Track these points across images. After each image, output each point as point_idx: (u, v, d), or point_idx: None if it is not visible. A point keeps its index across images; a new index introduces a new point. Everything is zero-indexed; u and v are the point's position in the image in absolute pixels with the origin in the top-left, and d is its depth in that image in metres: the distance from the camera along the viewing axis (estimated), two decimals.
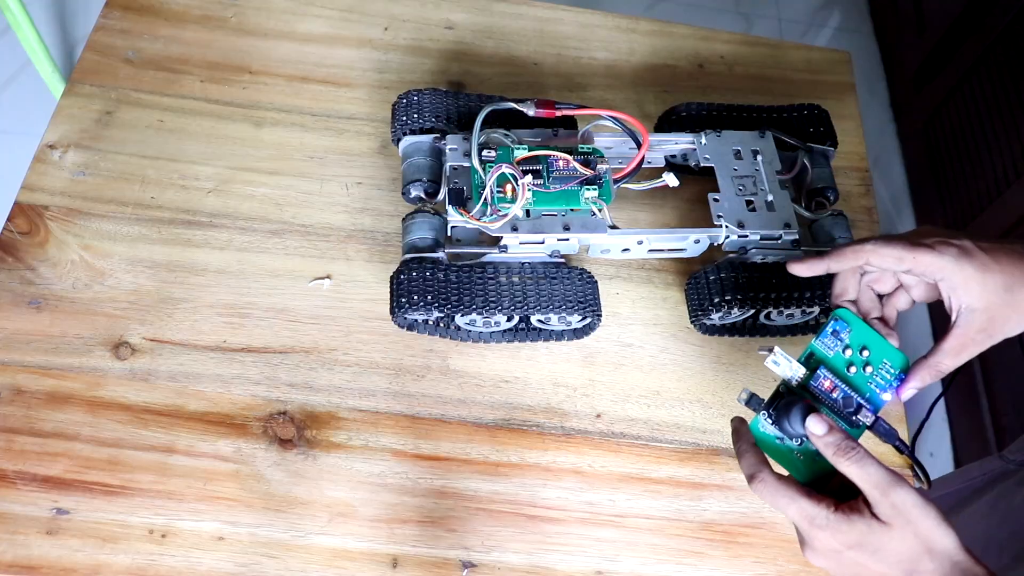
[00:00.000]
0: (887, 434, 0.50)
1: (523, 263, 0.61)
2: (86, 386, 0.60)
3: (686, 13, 1.75)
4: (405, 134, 0.65)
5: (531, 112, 0.63)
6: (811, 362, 0.51)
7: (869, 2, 1.85)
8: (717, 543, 0.60)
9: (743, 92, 0.79)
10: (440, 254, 0.61)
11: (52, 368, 0.60)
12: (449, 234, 0.62)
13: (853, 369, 0.51)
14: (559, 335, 0.64)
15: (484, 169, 0.60)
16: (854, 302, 0.53)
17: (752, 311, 0.63)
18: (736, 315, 0.63)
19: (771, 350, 0.49)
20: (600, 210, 0.61)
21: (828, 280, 0.55)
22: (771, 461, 0.49)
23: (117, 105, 0.71)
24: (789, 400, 0.49)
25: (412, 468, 0.60)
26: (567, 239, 0.60)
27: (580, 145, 0.63)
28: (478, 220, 0.59)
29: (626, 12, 0.85)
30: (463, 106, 0.66)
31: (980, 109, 1.37)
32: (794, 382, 0.50)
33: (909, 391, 0.51)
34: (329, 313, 0.64)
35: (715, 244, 0.64)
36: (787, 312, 0.63)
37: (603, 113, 0.63)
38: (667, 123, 0.70)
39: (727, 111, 0.70)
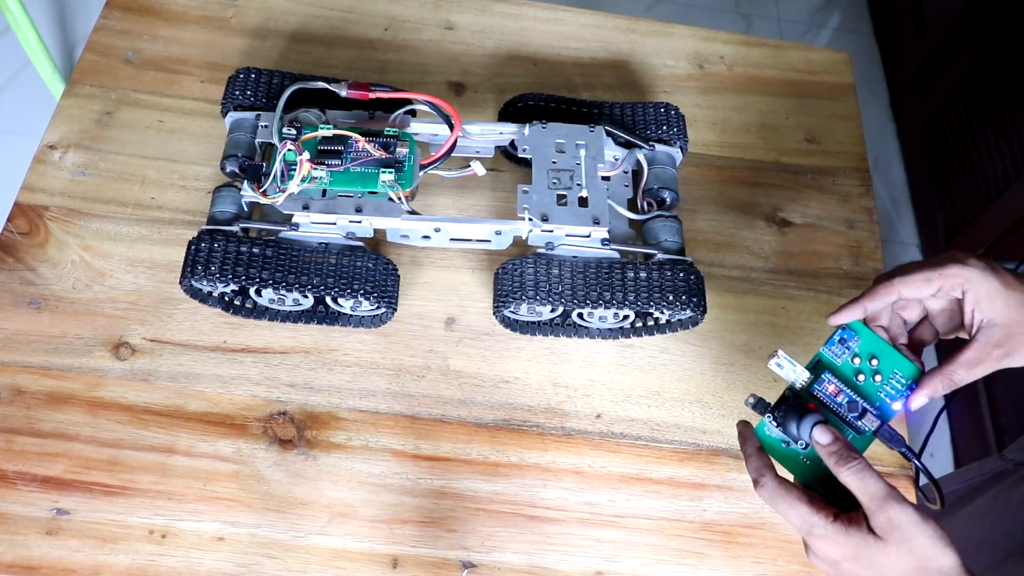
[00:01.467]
0: (893, 440, 0.49)
1: (320, 243, 0.60)
2: (86, 386, 0.60)
3: (686, 13, 1.75)
4: (231, 109, 0.65)
5: (343, 93, 0.61)
6: (818, 369, 0.51)
7: (869, 2, 1.85)
8: (717, 543, 0.60)
9: (743, 92, 0.79)
10: (235, 227, 0.60)
11: (52, 368, 0.60)
12: (255, 211, 0.62)
13: (862, 377, 0.51)
14: (357, 322, 0.63)
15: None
16: (885, 328, 0.52)
17: (560, 310, 0.62)
18: (543, 313, 0.62)
19: (775, 353, 0.49)
20: (397, 193, 0.59)
21: (648, 283, 0.55)
22: (777, 465, 0.49)
23: (117, 105, 0.71)
24: (794, 404, 0.49)
25: (412, 468, 0.60)
26: (359, 221, 0.59)
27: (386, 128, 0.62)
28: (265, 196, 0.59)
29: (626, 12, 0.85)
30: (288, 86, 0.64)
31: (980, 109, 1.37)
32: (798, 385, 0.50)
33: (919, 400, 0.50)
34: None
35: (521, 237, 0.62)
36: (599, 314, 0.62)
37: (416, 97, 0.62)
38: (507, 113, 0.69)
39: (569, 104, 0.69)
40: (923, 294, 0.50)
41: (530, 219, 0.61)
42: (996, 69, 1.34)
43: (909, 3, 1.65)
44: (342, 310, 0.62)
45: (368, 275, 0.59)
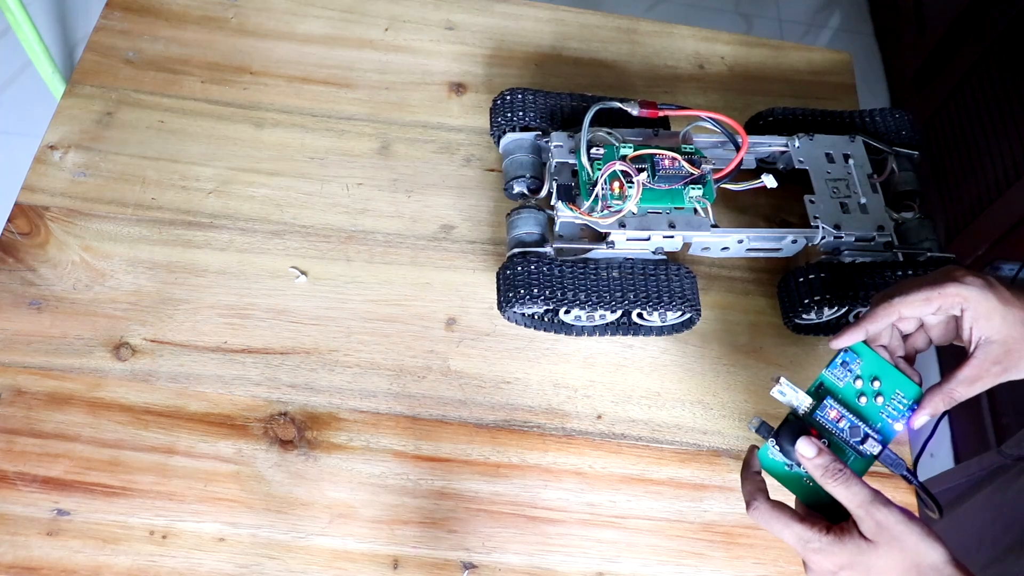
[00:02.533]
0: (895, 464, 0.51)
1: (626, 259, 0.62)
2: (86, 387, 0.60)
3: (686, 13, 1.75)
4: (506, 131, 0.66)
5: (635, 112, 0.64)
6: (820, 392, 0.51)
7: (869, 3, 1.85)
8: (718, 544, 0.60)
9: (743, 93, 0.79)
10: (548, 249, 0.62)
11: (52, 369, 0.60)
12: (556, 230, 0.63)
13: (864, 399, 0.51)
14: (658, 331, 0.65)
15: (592, 166, 0.61)
16: (884, 345, 0.53)
17: (844, 309, 0.64)
18: (828, 314, 0.64)
19: (778, 380, 0.50)
20: (704, 208, 0.62)
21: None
22: (783, 488, 0.50)
23: (117, 106, 0.71)
24: (791, 427, 0.49)
25: (413, 469, 0.60)
26: (672, 236, 0.62)
27: (683, 145, 0.64)
28: (588, 215, 0.60)
29: (626, 13, 0.85)
30: (564, 105, 0.67)
31: (980, 109, 1.37)
32: (800, 411, 0.51)
33: (921, 418, 0.51)
34: (330, 314, 0.64)
35: (811, 244, 0.65)
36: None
37: (703, 115, 0.64)
38: (755, 127, 0.72)
39: (813, 116, 0.72)
40: (922, 313, 0.51)
41: (823, 227, 0.64)
42: (996, 69, 1.34)
43: (909, 3, 1.65)
44: (645, 323, 0.64)
45: (674, 285, 0.61)
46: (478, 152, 0.73)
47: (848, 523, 0.45)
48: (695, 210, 0.62)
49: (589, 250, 0.62)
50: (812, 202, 0.65)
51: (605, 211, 0.60)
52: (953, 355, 0.53)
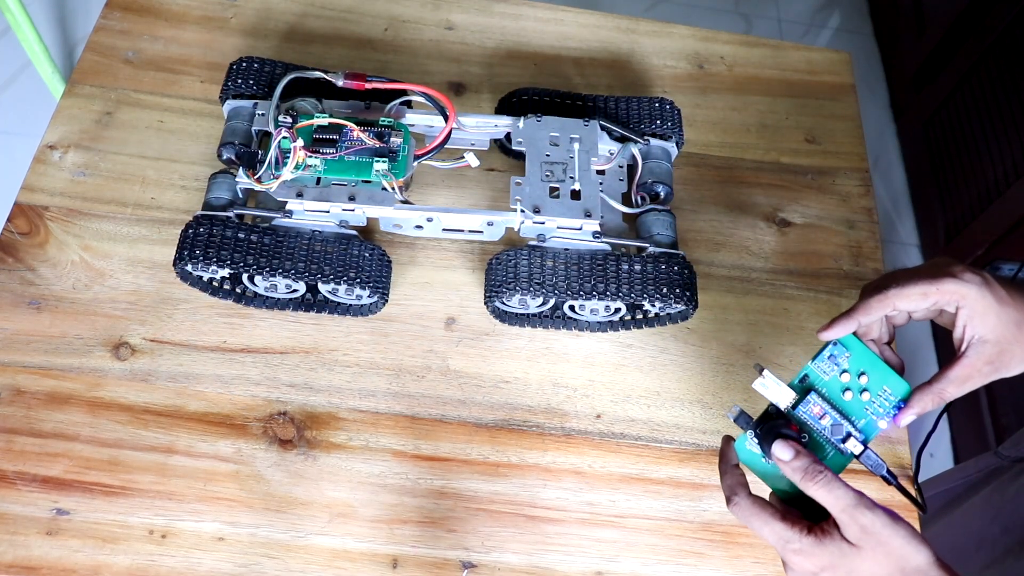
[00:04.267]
0: (875, 465, 0.49)
1: (313, 231, 0.60)
2: (86, 387, 0.60)
3: (686, 13, 1.75)
4: (229, 97, 0.65)
5: (340, 83, 0.62)
6: (804, 385, 0.50)
7: (869, 3, 1.85)
8: (717, 544, 0.60)
9: (743, 92, 0.79)
10: (230, 213, 0.60)
11: (52, 368, 0.60)
12: (250, 198, 0.62)
13: (849, 395, 0.50)
14: (345, 309, 0.63)
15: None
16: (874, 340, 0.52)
17: (552, 301, 0.62)
18: (531, 305, 0.62)
19: (761, 371, 0.49)
20: (390, 183, 0.60)
21: (642, 275, 0.54)
22: (758, 480, 0.49)
23: (117, 106, 0.71)
24: (774, 425, 0.48)
25: (412, 469, 0.60)
26: (352, 209, 0.60)
27: (381, 118, 0.63)
28: (260, 183, 0.59)
29: (626, 13, 0.85)
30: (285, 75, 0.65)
31: (980, 109, 1.37)
32: (782, 406, 0.49)
33: (908, 417, 0.50)
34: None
35: (513, 229, 0.62)
36: (590, 307, 0.62)
37: (412, 88, 0.62)
38: (506, 106, 0.70)
39: (565, 98, 0.69)
40: (917, 307, 0.49)
41: (522, 211, 0.61)
42: (996, 69, 1.34)
43: (909, 3, 1.65)
44: (333, 298, 0.62)
45: (363, 263, 0.60)
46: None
47: (829, 524, 0.44)
48: (383, 186, 0.60)
49: (272, 218, 0.61)
50: (518, 184, 0.62)
51: (271, 179, 0.59)
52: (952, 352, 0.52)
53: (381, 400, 0.62)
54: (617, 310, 0.63)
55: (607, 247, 0.62)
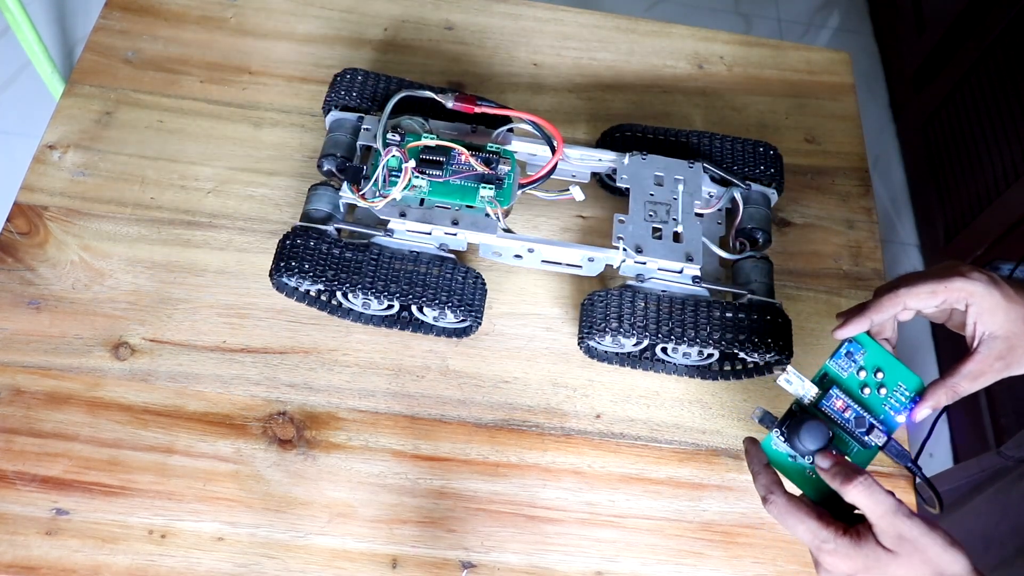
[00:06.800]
0: (900, 455, 0.51)
1: (411, 251, 0.60)
2: (85, 386, 0.60)
3: (686, 13, 1.75)
4: (332, 109, 0.65)
5: (449, 104, 0.62)
6: (825, 382, 0.51)
7: (869, 2, 1.85)
8: (716, 543, 0.60)
9: (743, 92, 0.79)
10: (330, 227, 0.60)
11: (51, 368, 0.60)
12: (348, 212, 0.62)
13: (867, 391, 0.51)
14: (439, 331, 0.63)
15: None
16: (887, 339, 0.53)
17: (645, 343, 0.61)
18: (626, 345, 0.62)
19: (784, 368, 0.50)
20: (494, 210, 0.59)
21: (736, 324, 0.54)
22: (784, 479, 0.49)
23: (117, 106, 0.71)
24: (801, 419, 0.49)
25: (412, 468, 0.60)
26: (454, 234, 0.60)
27: (489, 144, 0.62)
28: (365, 199, 0.59)
29: (626, 13, 0.85)
30: (395, 91, 0.64)
31: (980, 109, 1.37)
32: (806, 401, 0.51)
33: (923, 411, 0.51)
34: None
35: (612, 266, 0.62)
36: (682, 351, 0.61)
37: (521, 116, 0.61)
38: (609, 140, 0.69)
39: (668, 136, 0.68)
40: (927, 305, 0.51)
41: (624, 249, 0.60)
42: (996, 69, 1.34)
43: (909, 3, 1.65)
44: (425, 319, 0.62)
45: (456, 287, 0.59)
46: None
47: (864, 527, 0.45)
48: (487, 212, 0.60)
49: (371, 236, 0.60)
50: (621, 221, 0.61)
51: (378, 196, 0.59)
52: (952, 345, 0.52)
53: (381, 400, 0.62)
54: (710, 355, 0.62)
55: (706, 292, 0.61)
